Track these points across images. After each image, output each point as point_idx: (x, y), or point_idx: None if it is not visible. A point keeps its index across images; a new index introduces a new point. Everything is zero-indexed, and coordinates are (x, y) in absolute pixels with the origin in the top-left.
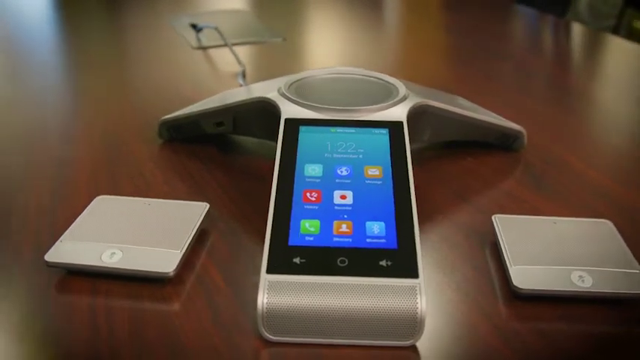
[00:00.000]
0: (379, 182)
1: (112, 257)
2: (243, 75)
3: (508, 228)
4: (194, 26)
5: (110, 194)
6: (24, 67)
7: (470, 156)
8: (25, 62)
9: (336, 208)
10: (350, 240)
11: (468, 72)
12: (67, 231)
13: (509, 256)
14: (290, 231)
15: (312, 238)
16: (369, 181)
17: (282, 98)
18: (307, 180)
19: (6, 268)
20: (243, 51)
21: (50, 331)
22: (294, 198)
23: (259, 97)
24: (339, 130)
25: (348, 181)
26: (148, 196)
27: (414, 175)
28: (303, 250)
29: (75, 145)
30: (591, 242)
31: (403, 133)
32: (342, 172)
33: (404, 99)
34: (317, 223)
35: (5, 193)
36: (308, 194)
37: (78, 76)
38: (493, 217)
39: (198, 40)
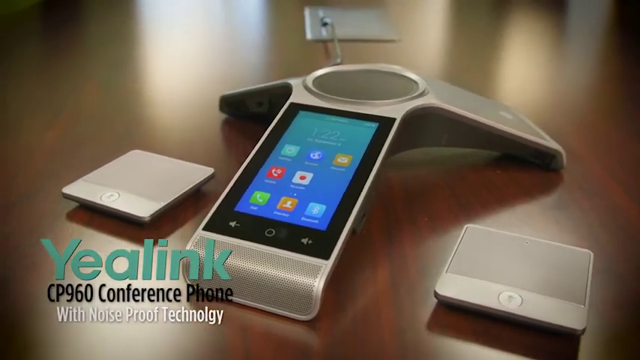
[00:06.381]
0: (342, 170)
1: (109, 198)
2: None
3: (472, 238)
4: (321, 19)
5: (152, 151)
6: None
7: (500, 169)
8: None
9: (291, 186)
10: (287, 216)
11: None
12: (91, 173)
13: (450, 263)
14: (241, 198)
15: (256, 208)
16: (333, 168)
17: (300, 85)
18: (280, 158)
19: (42, 198)
20: (356, 47)
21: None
22: (260, 171)
23: (283, 83)
24: (333, 118)
25: (315, 164)
26: (181, 159)
27: (415, 173)
28: (243, 217)
29: (153, 106)
30: (550, 267)
31: (391, 129)
32: (314, 155)
33: (412, 98)
34: (267, 196)
35: (77, 139)
36: (273, 170)
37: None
38: (465, 227)
39: (320, 32)
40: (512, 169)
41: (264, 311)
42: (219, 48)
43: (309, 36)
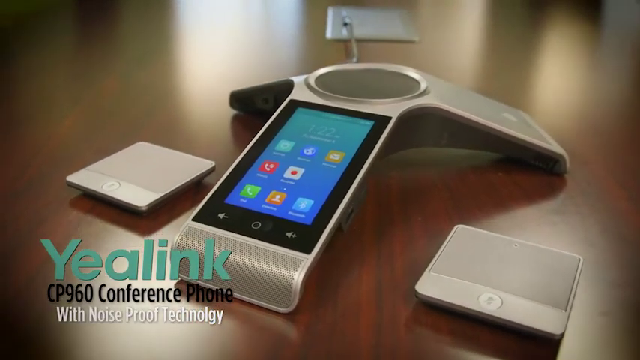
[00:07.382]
0: (334, 166)
1: (110, 187)
2: None
3: (460, 238)
4: (343, 19)
5: (160, 144)
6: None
7: (502, 172)
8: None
9: (281, 180)
10: (275, 209)
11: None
12: (96, 163)
13: (435, 262)
14: (232, 191)
15: (245, 201)
16: (325, 164)
17: (302, 83)
18: (274, 153)
19: (48, 185)
20: (375, 48)
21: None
22: (254, 165)
23: (287, 80)
24: (330, 116)
25: (308, 160)
26: (188, 152)
27: (414, 174)
28: (232, 209)
29: (168, 100)
30: (536, 271)
31: (386, 128)
32: (307, 152)
33: (411, 98)
34: (257, 189)
35: (90, 130)
36: (266, 165)
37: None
38: (455, 227)
39: (340, 32)
40: (514, 172)
41: (245, 301)
42: (242, 45)
43: (329, 35)
